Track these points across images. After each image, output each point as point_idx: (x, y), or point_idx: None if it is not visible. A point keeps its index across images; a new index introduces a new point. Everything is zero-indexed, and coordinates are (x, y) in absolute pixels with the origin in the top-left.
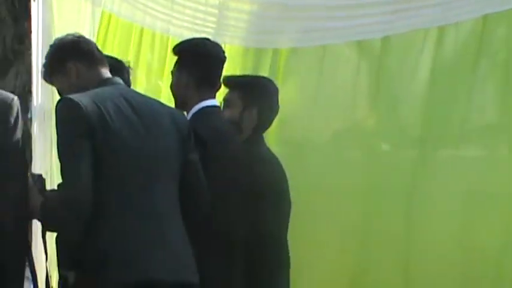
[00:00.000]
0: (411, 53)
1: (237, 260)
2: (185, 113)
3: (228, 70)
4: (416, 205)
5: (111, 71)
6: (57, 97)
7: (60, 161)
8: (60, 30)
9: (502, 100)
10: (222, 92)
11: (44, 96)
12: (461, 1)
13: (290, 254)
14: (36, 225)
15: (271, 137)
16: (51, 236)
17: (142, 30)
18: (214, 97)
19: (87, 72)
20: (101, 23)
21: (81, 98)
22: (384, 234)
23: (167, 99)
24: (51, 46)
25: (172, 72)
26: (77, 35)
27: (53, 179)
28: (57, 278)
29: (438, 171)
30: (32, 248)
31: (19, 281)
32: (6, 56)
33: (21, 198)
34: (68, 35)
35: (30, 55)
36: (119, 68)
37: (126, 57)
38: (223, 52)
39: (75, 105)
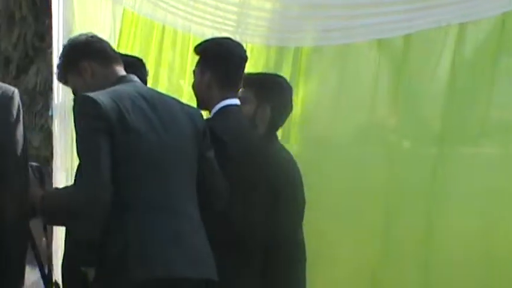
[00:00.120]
0: (432, 51)
1: (253, 258)
2: (207, 112)
3: (249, 69)
4: (436, 203)
5: (125, 69)
6: None
7: (79, 158)
8: (81, 28)
9: None
10: None
11: (65, 94)
12: None
13: (307, 252)
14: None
15: (293, 136)
16: (61, 231)
17: (164, 28)
18: (235, 96)
19: (101, 71)
20: (123, 22)
21: (99, 96)
22: (405, 232)
23: (189, 98)
24: (64, 47)
25: (194, 71)
26: (90, 34)
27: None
28: (61, 271)
29: (459, 169)
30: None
31: (20, 274)
32: (27, 53)
33: (23, 190)
34: (80, 34)
35: (51, 53)
36: (135, 65)
37: (148, 55)
38: (245, 52)
39: (93, 102)
